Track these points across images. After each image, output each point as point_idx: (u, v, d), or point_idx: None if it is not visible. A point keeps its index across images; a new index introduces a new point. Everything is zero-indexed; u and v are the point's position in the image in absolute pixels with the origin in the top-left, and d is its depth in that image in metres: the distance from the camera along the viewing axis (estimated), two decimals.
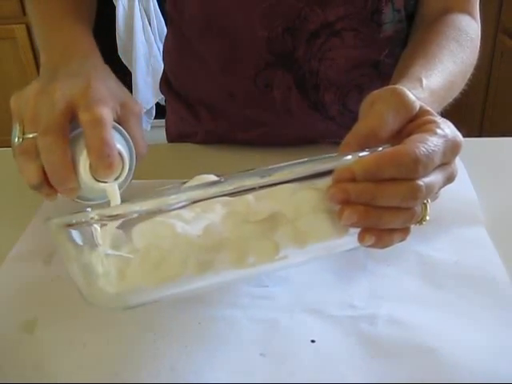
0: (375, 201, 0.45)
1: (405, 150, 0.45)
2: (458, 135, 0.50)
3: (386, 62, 0.82)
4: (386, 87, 0.53)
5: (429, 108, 0.51)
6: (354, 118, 0.71)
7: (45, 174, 0.56)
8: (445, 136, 0.48)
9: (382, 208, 0.45)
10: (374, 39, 0.80)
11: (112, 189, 0.56)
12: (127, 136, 0.59)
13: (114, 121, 0.57)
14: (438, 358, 0.51)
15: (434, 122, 0.49)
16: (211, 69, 0.85)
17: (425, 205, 0.48)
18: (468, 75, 0.74)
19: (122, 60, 2.58)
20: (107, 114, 0.54)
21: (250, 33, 0.79)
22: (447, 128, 0.49)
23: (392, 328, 0.54)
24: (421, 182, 0.46)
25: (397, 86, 0.51)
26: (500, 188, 0.76)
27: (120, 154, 0.56)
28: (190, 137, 0.95)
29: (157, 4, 2.54)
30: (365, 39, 0.79)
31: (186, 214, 0.46)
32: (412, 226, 0.50)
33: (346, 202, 0.44)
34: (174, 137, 1.03)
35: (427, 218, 0.49)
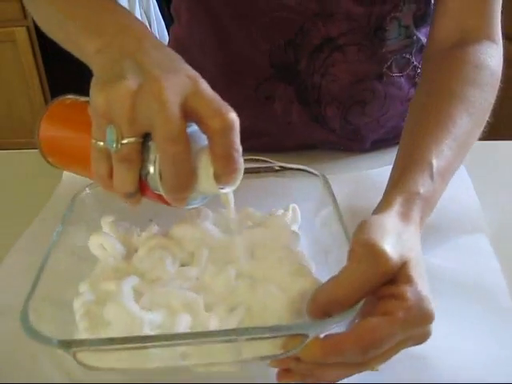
0: (317, 378, 0.46)
1: (352, 340, 0.43)
2: (427, 307, 0.47)
3: (388, 73, 0.82)
4: (367, 237, 0.47)
5: (409, 272, 0.47)
6: (354, 131, 0.72)
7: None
8: (405, 319, 0.44)
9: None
10: (377, 53, 0.79)
11: (230, 193, 0.53)
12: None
13: None
14: (427, 364, 0.52)
15: (403, 298, 0.45)
16: (212, 80, 0.84)
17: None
18: (487, 115, 0.69)
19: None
20: (236, 118, 0.48)
21: (252, 45, 0.79)
22: (415, 301, 0.46)
23: None
24: (367, 367, 0.46)
25: (376, 243, 0.46)
26: (500, 191, 0.76)
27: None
28: None
29: (157, 7, 2.54)
30: (368, 53, 0.79)
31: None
32: None
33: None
34: None
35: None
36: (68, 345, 0.44)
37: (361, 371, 0.46)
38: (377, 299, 0.46)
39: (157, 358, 0.46)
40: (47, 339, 0.44)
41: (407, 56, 0.81)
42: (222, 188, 0.50)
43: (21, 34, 2.54)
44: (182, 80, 0.48)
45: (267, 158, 0.80)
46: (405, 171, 0.57)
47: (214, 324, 0.50)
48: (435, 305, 0.47)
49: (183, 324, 0.50)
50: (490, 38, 0.72)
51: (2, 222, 0.74)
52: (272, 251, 0.57)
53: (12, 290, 0.61)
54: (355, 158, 0.87)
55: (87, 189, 0.64)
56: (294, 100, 0.82)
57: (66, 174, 0.82)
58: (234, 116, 0.47)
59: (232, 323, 0.50)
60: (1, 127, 2.84)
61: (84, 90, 0.54)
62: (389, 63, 0.80)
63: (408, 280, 0.47)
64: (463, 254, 0.64)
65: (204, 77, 0.75)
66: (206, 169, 0.48)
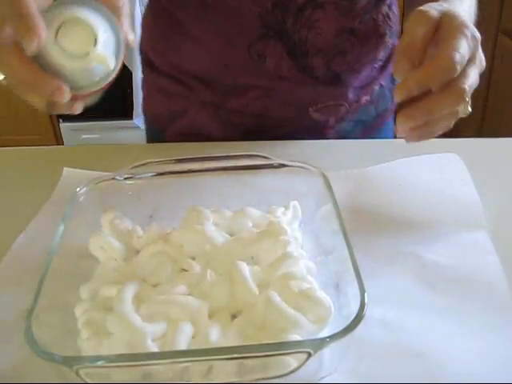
0: (432, 113, 0.60)
1: (442, 57, 0.58)
2: (475, 31, 0.62)
3: (359, 28, 0.89)
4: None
5: (451, 13, 0.63)
6: (336, 77, 0.89)
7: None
8: (466, 36, 0.60)
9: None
10: (351, 9, 0.87)
11: (98, 53, 0.55)
12: (110, 15, 0.58)
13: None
14: (426, 361, 0.52)
15: (455, 26, 0.61)
16: (205, 45, 0.90)
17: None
18: None
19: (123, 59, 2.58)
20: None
21: (243, 9, 0.85)
22: (466, 29, 0.61)
23: (382, 330, 0.55)
24: (465, 86, 0.60)
25: (416, 8, 0.64)
26: (500, 188, 0.76)
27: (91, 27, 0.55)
28: (179, 116, 0.98)
29: None
30: (343, 10, 0.86)
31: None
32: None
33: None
34: (159, 119, 1.04)
35: (469, 109, 0.63)
36: (70, 362, 0.44)
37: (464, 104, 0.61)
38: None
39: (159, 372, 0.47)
40: (51, 355, 0.45)
41: (373, 15, 0.91)
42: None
43: None
44: None
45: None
46: None
47: (215, 333, 0.50)
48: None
49: (185, 334, 0.50)
50: None
51: (2, 220, 0.74)
52: (272, 256, 0.57)
53: (12, 289, 0.61)
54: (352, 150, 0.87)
55: (87, 185, 0.64)
56: (284, 55, 0.88)
57: (66, 169, 0.82)
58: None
59: (233, 332, 0.50)
60: (2, 125, 2.84)
61: None
62: (359, 19, 0.88)
63: (452, 19, 0.62)
64: (463, 251, 0.64)
65: (197, 44, 0.87)
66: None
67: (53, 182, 0.80)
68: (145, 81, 1.05)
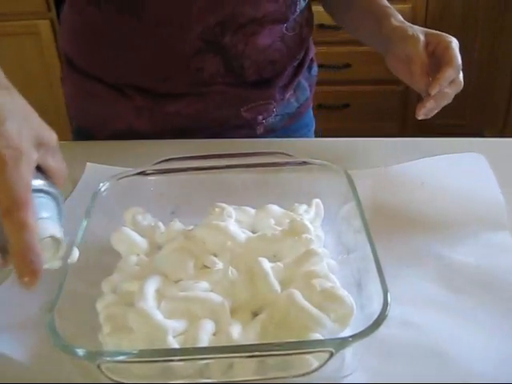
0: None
1: (452, 64, 0.76)
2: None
3: (287, 35, 0.94)
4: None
5: (430, 32, 0.81)
6: (265, 81, 0.95)
7: None
8: (454, 42, 0.79)
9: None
10: (285, 20, 0.92)
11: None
12: (52, 189, 0.54)
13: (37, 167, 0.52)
14: (447, 362, 0.51)
15: (444, 40, 0.79)
16: (143, 58, 0.92)
17: None
18: None
19: None
20: (31, 216, 0.47)
21: (185, 25, 0.87)
22: (447, 36, 0.80)
23: (404, 330, 0.54)
24: (461, 79, 0.78)
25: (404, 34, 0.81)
26: None
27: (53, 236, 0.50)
28: (111, 118, 0.98)
29: None
30: (280, 24, 0.92)
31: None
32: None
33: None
34: (89, 121, 1.03)
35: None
36: (93, 356, 0.45)
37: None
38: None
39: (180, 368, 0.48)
40: (73, 349, 0.45)
41: (297, 19, 0.95)
42: None
43: (44, 26, 2.55)
44: None
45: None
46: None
47: (236, 331, 0.50)
48: None
49: (207, 331, 0.50)
50: None
51: None
52: (294, 254, 0.57)
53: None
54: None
55: (110, 181, 0.65)
56: (220, 67, 0.92)
57: (89, 165, 0.83)
58: (27, 215, 0.47)
59: (254, 329, 0.50)
60: None
61: None
62: (287, 25, 0.93)
63: (433, 34, 0.81)
64: (486, 251, 0.64)
65: (133, 56, 0.90)
66: None
67: (76, 177, 0.80)
68: (67, 79, 1.03)
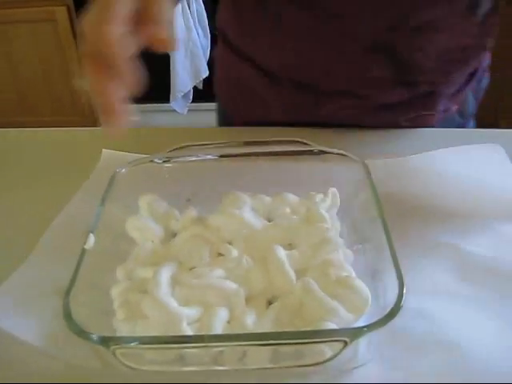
0: None
1: None
2: None
3: (470, 44, 0.85)
4: None
5: None
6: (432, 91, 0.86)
7: None
8: None
9: None
10: (466, 28, 0.83)
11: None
12: None
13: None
14: (462, 353, 0.51)
15: None
16: (308, 47, 0.86)
17: None
18: None
19: None
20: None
21: (357, 22, 0.81)
22: None
23: (419, 320, 0.54)
24: None
25: None
26: None
27: None
28: (256, 107, 0.95)
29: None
30: (459, 30, 0.82)
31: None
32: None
33: None
34: (232, 104, 1.01)
35: None
36: (107, 342, 0.45)
37: None
38: None
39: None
40: (88, 334, 0.45)
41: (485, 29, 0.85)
42: None
43: (61, 13, 2.56)
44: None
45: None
46: None
47: (250, 319, 0.50)
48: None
49: (221, 318, 0.50)
50: None
51: (41, 200, 0.75)
52: (310, 243, 0.57)
53: (50, 267, 0.62)
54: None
55: (125, 167, 0.65)
56: (387, 77, 0.85)
57: (105, 151, 0.83)
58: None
59: (269, 318, 0.50)
60: (41, 106, 2.88)
61: None
62: (474, 34, 0.84)
63: None
64: (504, 243, 0.63)
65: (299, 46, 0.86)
66: None
67: (92, 164, 0.81)
68: (221, 59, 1.01)
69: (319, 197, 0.64)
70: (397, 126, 0.90)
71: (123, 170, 0.65)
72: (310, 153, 0.66)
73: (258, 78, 0.93)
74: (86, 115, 3.03)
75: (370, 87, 0.87)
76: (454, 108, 0.93)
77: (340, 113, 0.89)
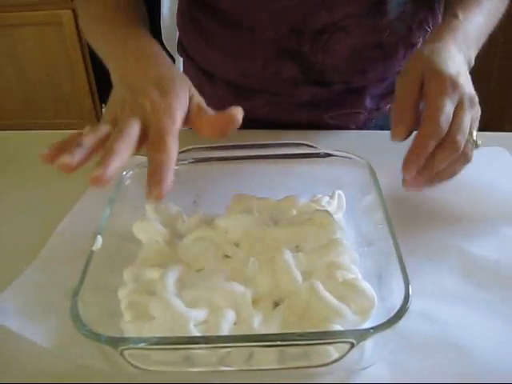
0: (433, 169, 0.59)
1: (428, 122, 0.58)
2: (457, 80, 0.60)
3: (387, 41, 0.87)
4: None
5: (435, 66, 0.61)
6: (353, 90, 0.90)
7: None
8: (447, 93, 0.59)
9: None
10: (377, 25, 0.85)
11: None
12: None
13: None
14: (467, 356, 0.51)
15: (436, 85, 0.60)
16: (226, 53, 0.92)
17: (469, 142, 0.61)
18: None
19: (167, 47, 2.58)
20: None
21: (259, 31, 0.86)
22: (447, 83, 0.60)
23: (424, 322, 0.54)
24: (457, 138, 0.58)
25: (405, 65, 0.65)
26: None
27: None
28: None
29: None
30: (368, 27, 0.84)
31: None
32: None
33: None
34: None
35: (479, 142, 0.63)
36: (115, 343, 0.45)
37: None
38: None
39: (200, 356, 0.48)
40: (96, 335, 0.45)
41: (408, 22, 0.87)
42: None
43: (66, 16, 2.56)
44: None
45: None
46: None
47: (257, 321, 0.50)
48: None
49: (228, 320, 0.50)
50: None
51: (47, 202, 0.75)
52: (316, 245, 0.57)
53: (57, 269, 0.62)
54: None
55: (132, 169, 0.65)
56: (299, 74, 0.89)
57: None
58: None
59: (275, 319, 0.50)
60: (45, 109, 2.88)
61: None
62: (387, 33, 0.86)
63: (432, 78, 0.61)
64: (507, 246, 0.63)
65: (218, 50, 0.91)
66: None
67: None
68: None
69: (325, 199, 0.64)
70: (322, 122, 0.94)
71: (130, 173, 0.65)
72: (317, 155, 0.66)
73: (202, 78, 0.98)
74: (88, 118, 3.03)
75: (282, 87, 0.92)
76: (387, 107, 0.95)
77: (262, 109, 0.94)
